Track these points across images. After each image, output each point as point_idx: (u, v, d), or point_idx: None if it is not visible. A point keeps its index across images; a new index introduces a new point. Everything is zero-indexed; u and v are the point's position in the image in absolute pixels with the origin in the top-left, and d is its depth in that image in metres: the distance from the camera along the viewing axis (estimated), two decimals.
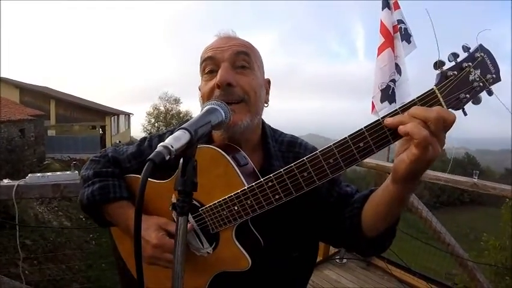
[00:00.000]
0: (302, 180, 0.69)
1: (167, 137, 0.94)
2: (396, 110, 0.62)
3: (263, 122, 0.92)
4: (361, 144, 0.64)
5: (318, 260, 2.98)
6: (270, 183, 0.71)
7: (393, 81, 2.89)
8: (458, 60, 0.61)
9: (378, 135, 0.63)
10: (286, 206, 0.76)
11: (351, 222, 0.78)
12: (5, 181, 1.88)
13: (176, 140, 0.56)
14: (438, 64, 0.61)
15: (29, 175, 1.88)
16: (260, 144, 0.90)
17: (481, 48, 0.61)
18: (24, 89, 21.03)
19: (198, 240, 0.81)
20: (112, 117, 24.26)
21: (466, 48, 0.61)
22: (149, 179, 0.84)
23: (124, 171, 0.92)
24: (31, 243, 6.69)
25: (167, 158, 0.52)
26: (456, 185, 2.36)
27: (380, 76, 2.93)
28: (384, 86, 2.90)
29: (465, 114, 0.63)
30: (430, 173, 2.46)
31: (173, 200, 0.81)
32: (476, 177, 2.25)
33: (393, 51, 2.84)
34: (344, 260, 3.05)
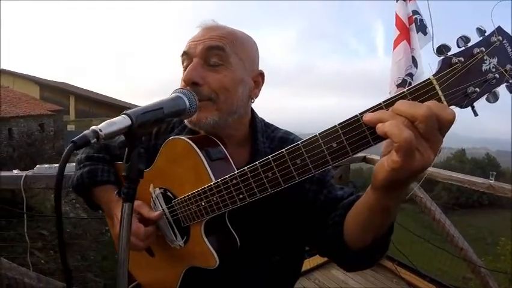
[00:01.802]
0: (266, 181, 0.61)
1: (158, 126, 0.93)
2: (379, 104, 0.50)
3: (254, 117, 0.87)
4: (334, 145, 0.53)
5: (326, 259, 2.91)
6: (234, 181, 0.65)
7: (410, 75, 2.77)
8: (469, 44, 0.49)
9: (354, 134, 0.52)
10: (269, 207, 0.72)
11: (333, 231, 0.71)
12: (15, 171, 1.93)
13: (110, 124, 0.53)
14: (441, 49, 0.48)
15: (37, 166, 1.92)
16: (248, 140, 0.85)
17: (498, 31, 0.49)
18: (44, 85, 21.66)
19: (172, 232, 0.79)
20: None
21: (480, 32, 0.49)
22: None
23: (114, 158, 0.94)
24: (48, 234, 6.94)
25: (93, 141, 0.50)
26: (471, 186, 2.24)
27: (396, 70, 2.81)
28: (401, 81, 2.79)
29: (475, 114, 0.50)
30: (444, 173, 2.36)
31: (151, 189, 0.80)
32: (492, 179, 2.13)
33: (409, 43, 2.73)
34: None
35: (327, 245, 0.75)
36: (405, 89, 0.49)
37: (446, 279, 2.76)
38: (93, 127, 0.51)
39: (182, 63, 0.80)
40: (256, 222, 0.77)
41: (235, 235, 0.75)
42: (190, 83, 0.73)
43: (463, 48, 0.49)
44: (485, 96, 0.50)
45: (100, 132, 0.51)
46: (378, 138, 0.50)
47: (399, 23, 2.73)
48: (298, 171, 0.58)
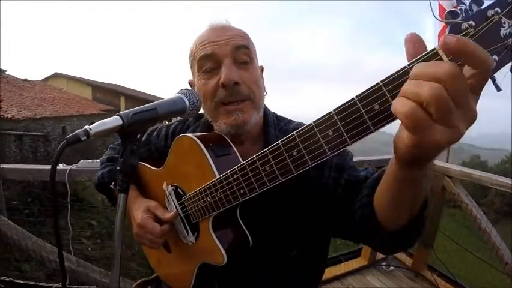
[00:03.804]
0: (264, 174, 0.59)
1: (174, 126, 0.95)
2: (377, 84, 0.44)
3: (266, 111, 0.86)
4: (330, 133, 0.49)
5: (362, 264, 2.80)
6: (235, 176, 0.64)
7: None
8: (482, 7, 0.41)
9: (351, 119, 0.47)
10: (286, 198, 0.70)
11: (363, 213, 0.65)
12: (61, 165, 2.09)
13: (101, 124, 0.58)
14: (448, 16, 0.41)
15: (80, 161, 2.07)
16: (261, 135, 0.84)
17: None
18: (96, 87, 23.32)
19: (184, 229, 0.80)
20: None
21: None
22: (148, 165, 0.89)
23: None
24: (96, 224, 7.48)
25: (83, 139, 0.55)
26: None
27: None
28: None
29: (498, 89, 0.43)
30: (494, 178, 2.14)
31: (164, 186, 0.81)
32: None
33: None
34: (391, 268, 2.81)
35: (358, 230, 0.68)
36: (406, 65, 0.42)
37: None
38: (85, 126, 0.56)
39: (200, 67, 0.78)
40: (272, 216, 0.75)
41: (246, 231, 0.73)
42: (232, 84, 0.73)
43: (474, 11, 0.41)
44: (509, 65, 0.42)
45: (90, 131, 0.56)
46: (379, 123, 0.45)
47: (442, 13, 2.53)
48: (295, 163, 0.55)
